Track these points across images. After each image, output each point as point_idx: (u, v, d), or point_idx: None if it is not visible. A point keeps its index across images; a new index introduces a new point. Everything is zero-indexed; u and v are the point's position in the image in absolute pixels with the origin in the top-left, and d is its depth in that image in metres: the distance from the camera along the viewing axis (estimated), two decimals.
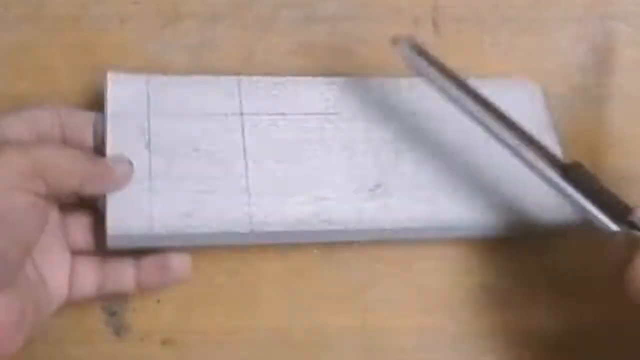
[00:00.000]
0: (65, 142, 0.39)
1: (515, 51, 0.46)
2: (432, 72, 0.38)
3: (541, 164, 0.36)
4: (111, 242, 0.37)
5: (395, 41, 0.39)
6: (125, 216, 0.38)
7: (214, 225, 0.39)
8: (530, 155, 0.36)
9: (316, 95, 0.43)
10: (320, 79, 0.44)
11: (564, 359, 0.41)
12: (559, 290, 0.42)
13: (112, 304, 0.40)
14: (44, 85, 0.46)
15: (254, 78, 0.43)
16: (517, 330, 0.42)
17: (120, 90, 0.41)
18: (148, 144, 0.40)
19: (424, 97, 0.42)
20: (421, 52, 0.38)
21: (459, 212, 0.41)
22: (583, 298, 0.42)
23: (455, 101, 0.38)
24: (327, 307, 0.41)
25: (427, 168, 0.42)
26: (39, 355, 0.39)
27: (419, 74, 0.38)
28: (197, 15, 0.47)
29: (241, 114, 0.42)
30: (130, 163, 0.39)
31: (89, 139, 0.39)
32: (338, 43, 0.46)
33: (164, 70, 0.46)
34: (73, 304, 0.38)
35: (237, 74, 0.44)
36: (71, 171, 0.35)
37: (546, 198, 0.40)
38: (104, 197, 0.38)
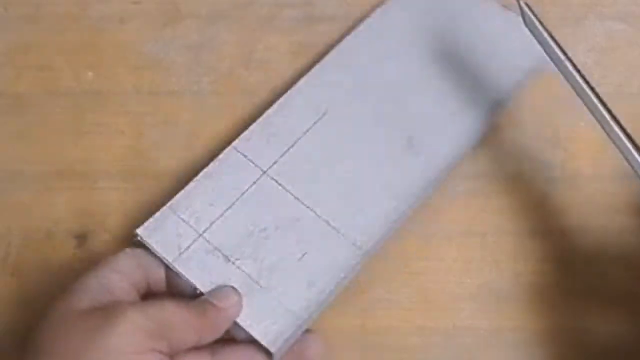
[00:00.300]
0: (147, 281, 0.39)
1: None
2: (547, 37, 0.39)
3: (629, 145, 0.37)
4: (278, 355, 0.37)
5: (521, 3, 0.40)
6: (270, 328, 0.37)
7: (334, 273, 0.39)
8: (618, 129, 0.37)
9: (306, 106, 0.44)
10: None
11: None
12: (559, 291, 0.42)
13: None
14: (44, 85, 0.46)
15: (246, 134, 0.42)
16: (517, 330, 0.42)
17: (160, 236, 0.40)
18: (226, 259, 0.39)
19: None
20: (535, 14, 0.40)
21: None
22: (584, 299, 0.42)
23: (558, 63, 0.39)
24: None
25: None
26: None
27: (531, 30, 0.40)
28: (197, 15, 0.47)
29: (263, 172, 0.41)
30: (234, 290, 0.38)
31: (162, 276, 0.39)
32: (338, 43, 0.46)
33: (164, 70, 0.46)
34: None
35: (236, 74, 0.44)
36: (191, 328, 0.36)
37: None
38: (236, 326, 0.38)
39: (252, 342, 0.37)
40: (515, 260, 0.43)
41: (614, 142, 0.37)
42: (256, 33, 0.47)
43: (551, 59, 0.39)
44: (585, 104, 0.38)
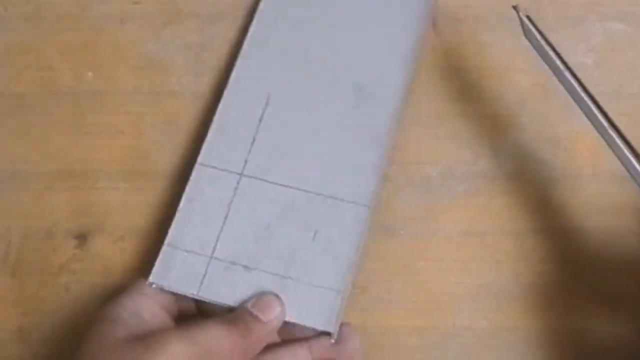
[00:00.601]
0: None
1: (515, 51, 0.46)
2: (542, 42, 0.39)
3: (624, 149, 0.37)
4: (336, 333, 0.39)
5: (516, 8, 0.40)
6: (319, 312, 0.38)
7: (351, 237, 0.40)
8: (614, 134, 0.37)
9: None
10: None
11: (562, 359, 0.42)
12: (559, 292, 0.42)
13: None
14: (44, 85, 0.46)
15: (205, 147, 0.42)
16: (517, 330, 0.42)
17: (174, 275, 0.40)
18: (247, 268, 0.39)
19: None
20: (535, 25, 0.40)
21: None
22: (584, 300, 0.42)
23: (557, 72, 0.39)
24: None
25: None
26: None
27: (531, 41, 0.40)
28: (197, 15, 0.47)
29: (240, 174, 0.42)
30: (277, 298, 0.38)
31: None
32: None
33: (164, 70, 0.46)
34: None
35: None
36: (237, 350, 0.36)
37: None
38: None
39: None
40: (515, 260, 0.43)
41: (616, 153, 0.37)
42: None
43: (553, 71, 0.39)
44: (587, 116, 0.38)
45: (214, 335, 0.35)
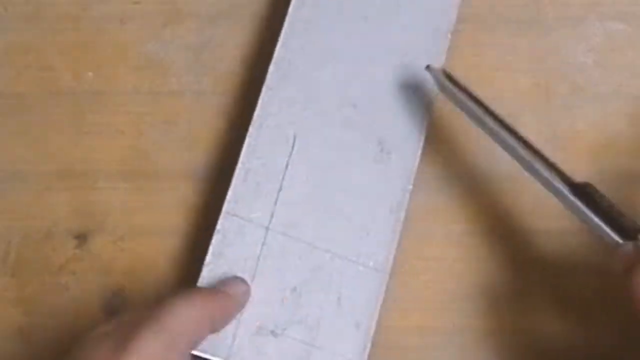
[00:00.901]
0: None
1: (515, 51, 0.46)
2: (460, 95, 0.40)
3: (554, 181, 0.37)
4: None
5: (427, 67, 0.41)
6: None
7: (371, 304, 0.40)
8: (544, 172, 0.37)
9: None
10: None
11: None
12: (559, 292, 0.42)
13: None
14: (44, 85, 0.46)
15: (230, 195, 0.41)
16: (516, 330, 0.42)
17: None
18: (274, 334, 0.39)
19: None
20: (450, 77, 0.41)
21: None
22: (583, 302, 0.42)
23: (476, 119, 0.39)
24: None
25: None
26: None
27: (445, 93, 0.41)
28: (197, 15, 0.47)
29: (267, 229, 0.41)
30: (242, 280, 0.39)
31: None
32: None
33: (164, 70, 0.46)
34: None
35: (236, 74, 0.44)
36: (206, 322, 0.36)
37: None
38: None
39: None
40: (516, 260, 0.43)
41: (552, 192, 0.37)
42: (256, 33, 0.47)
43: (475, 121, 0.39)
44: (516, 159, 0.38)
45: (179, 317, 0.34)
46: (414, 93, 0.43)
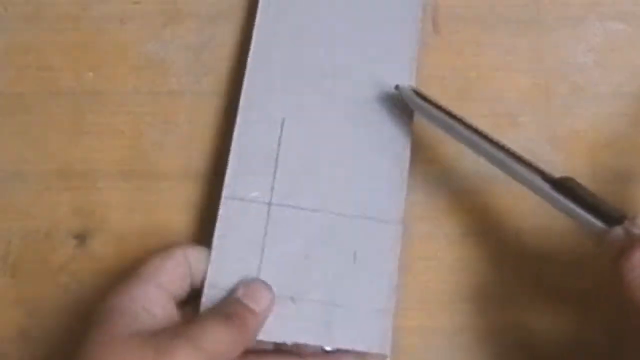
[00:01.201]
0: (188, 281, 0.39)
1: (515, 51, 0.46)
2: (428, 107, 0.40)
3: (534, 180, 0.37)
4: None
5: (396, 87, 0.42)
6: (372, 336, 0.39)
7: (389, 256, 0.41)
8: (524, 172, 0.38)
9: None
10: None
11: None
12: (560, 291, 0.42)
13: None
14: (44, 85, 0.46)
15: (227, 179, 0.41)
16: (516, 330, 0.42)
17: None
18: (292, 299, 0.39)
19: None
20: (418, 92, 0.42)
21: None
22: (583, 301, 0.42)
23: (451, 130, 0.40)
24: None
25: None
26: None
27: (417, 110, 0.41)
28: (197, 15, 0.47)
29: (269, 204, 0.41)
30: (266, 286, 0.39)
31: (204, 270, 0.39)
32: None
33: (164, 70, 0.46)
34: None
35: (236, 74, 0.43)
36: (238, 347, 0.36)
37: None
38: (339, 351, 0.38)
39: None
40: (516, 259, 0.43)
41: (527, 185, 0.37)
42: None
43: (447, 130, 0.40)
44: (490, 161, 0.38)
45: (215, 338, 0.35)
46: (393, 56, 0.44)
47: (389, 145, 0.42)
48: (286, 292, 0.39)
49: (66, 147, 0.45)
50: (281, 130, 0.42)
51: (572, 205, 0.36)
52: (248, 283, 0.38)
